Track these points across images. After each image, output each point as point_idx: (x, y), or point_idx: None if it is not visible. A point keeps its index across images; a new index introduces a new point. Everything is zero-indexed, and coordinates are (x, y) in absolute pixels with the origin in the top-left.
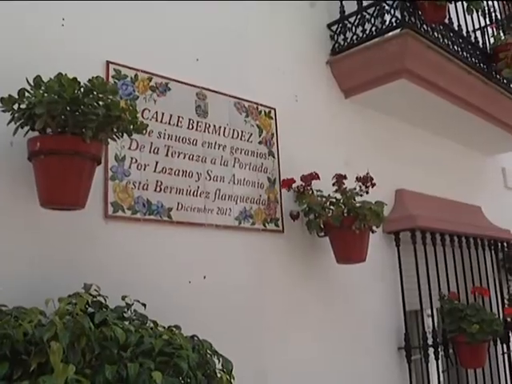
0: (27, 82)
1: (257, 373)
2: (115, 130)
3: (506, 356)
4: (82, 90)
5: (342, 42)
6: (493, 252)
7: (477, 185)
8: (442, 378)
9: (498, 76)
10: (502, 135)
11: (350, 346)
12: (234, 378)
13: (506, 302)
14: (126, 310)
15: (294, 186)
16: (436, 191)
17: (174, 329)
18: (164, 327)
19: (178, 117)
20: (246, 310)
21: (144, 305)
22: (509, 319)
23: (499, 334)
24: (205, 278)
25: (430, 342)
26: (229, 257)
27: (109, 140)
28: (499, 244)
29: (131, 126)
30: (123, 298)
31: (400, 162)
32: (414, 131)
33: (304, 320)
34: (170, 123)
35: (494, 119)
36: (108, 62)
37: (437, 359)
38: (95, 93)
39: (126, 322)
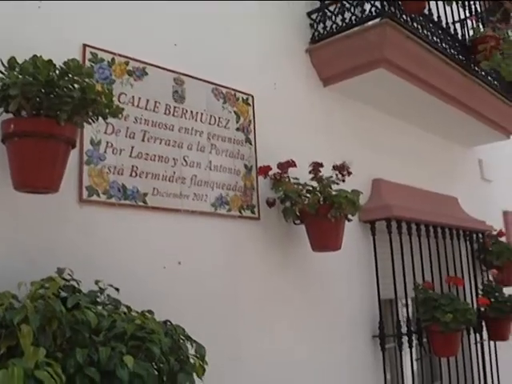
0: (1, 63)
1: (232, 360)
2: (90, 113)
3: (478, 345)
4: (57, 72)
5: (321, 31)
6: (468, 243)
7: (454, 176)
8: (415, 367)
9: (476, 68)
10: (479, 127)
11: (326, 333)
12: (207, 364)
13: (480, 292)
14: (99, 294)
15: (270, 173)
16: (413, 182)
17: (147, 314)
18: (137, 312)
19: (155, 102)
20: (221, 296)
21: (117, 289)
22: (482, 309)
23: (472, 324)
24: (180, 263)
25: (404, 330)
26: (204, 243)
27: (84, 123)
28: (474, 235)
29: (107, 110)
30: (96, 282)
31: (377, 152)
32: (392, 121)
33: (280, 308)
34: (146, 108)
35: (472, 111)
36: (85, 46)
37: (410, 347)
38: (70, 75)
39: (99, 307)
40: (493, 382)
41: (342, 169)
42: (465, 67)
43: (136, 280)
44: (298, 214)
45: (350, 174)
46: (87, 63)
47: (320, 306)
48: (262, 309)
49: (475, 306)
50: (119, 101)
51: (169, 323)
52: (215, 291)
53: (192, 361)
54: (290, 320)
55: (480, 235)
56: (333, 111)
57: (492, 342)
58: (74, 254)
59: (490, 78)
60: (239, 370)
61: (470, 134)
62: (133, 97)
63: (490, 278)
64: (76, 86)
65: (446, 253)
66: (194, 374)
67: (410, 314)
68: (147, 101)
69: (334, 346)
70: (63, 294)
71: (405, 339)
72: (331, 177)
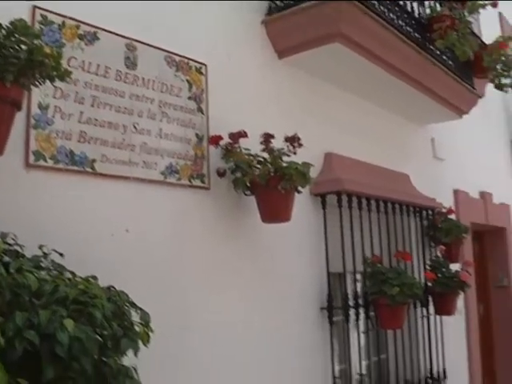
0: None
1: (180, 329)
2: (37, 75)
3: (425, 319)
4: (3, 31)
5: (278, 3)
6: (418, 219)
7: (406, 153)
8: (362, 339)
9: (432, 47)
10: (433, 106)
11: (275, 305)
12: (152, 331)
13: (427, 267)
14: (42, 259)
15: (221, 143)
16: (365, 157)
17: (91, 279)
18: (82, 278)
19: (106, 67)
20: (169, 265)
21: (61, 254)
22: (429, 284)
23: (418, 297)
24: (128, 231)
25: (351, 303)
26: (153, 211)
27: (31, 86)
28: (424, 212)
29: (54, 73)
30: (40, 247)
31: (331, 126)
32: (346, 96)
33: (229, 278)
34: (97, 73)
35: (427, 90)
36: (34, 7)
37: (357, 320)
38: (17, 36)
39: (43, 272)
40: (437, 355)
41: (293, 140)
42: (420, 45)
43: (83, 247)
44: (248, 184)
45: (300, 145)
46: (37, 25)
47: (270, 278)
48: (211, 279)
49: (423, 281)
50: (69, 65)
51: (113, 289)
52: (163, 260)
53: (137, 328)
54: (240, 291)
55: (430, 212)
56: (287, 84)
57: (438, 317)
58: (19, 219)
59: (444, 57)
60: (187, 339)
61: (424, 112)
62: (83, 61)
63: (438, 254)
64: (23, 47)
65: (395, 228)
66: (140, 342)
67: (359, 288)
68: (98, 66)
69: (282, 318)
70: (6, 258)
71: (352, 312)
72: (282, 149)
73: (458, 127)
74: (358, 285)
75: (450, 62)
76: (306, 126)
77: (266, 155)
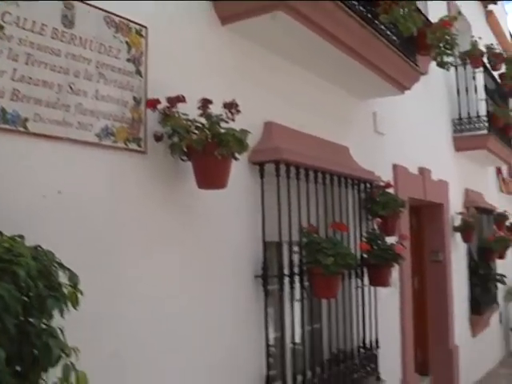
0: None
1: (111, 296)
2: None
3: (359, 290)
4: None
5: None
6: (356, 192)
7: (347, 126)
8: (297, 309)
9: (376, 22)
10: (375, 80)
11: (209, 272)
12: (81, 294)
13: (364, 239)
14: None
15: (159, 107)
16: (306, 128)
17: (18, 238)
18: (8, 236)
19: (42, 24)
20: (101, 229)
21: None
22: (365, 256)
23: (352, 268)
24: (60, 193)
25: (286, 272)
26: (87, 174)
27: None
28: (363, 185)
29: None
30: None
31: (272, 96)
32: (289, 67)
33: (164, 244)
34: (33, 30)
35: (370, 64)
36: None
37: (292, 289)
38: None
39: None
40: (371, 325)
41: (231, 107)
42: (365, 19)
43: (12, 206)
44: (185, 150)
45: (238, 112)
46: None
47: (206, 245)
48: (146, 244)
49: (359, 253)
50: (3, 20)
51: (39, 248)
52: (96, 223)
53: (65, 290)
54: (174, 256)
55: (368, 185)
56: (229, 51)
57: (373, 288)
58: None
59: (389, 32)
60: (118, 305)
61: (366, 86)
62: (18, 17)
63: (375, 226)
64: None
65: (333, 200)
66: (70, 305)
67: (295, 258)
68: (34, 23)
69: (217, 286)
70: None
71: (287, 281)
72: (221, 115)
73: (400, 103)
74: (294, 254)
75: (394, 38)
76: (247, 94)
77: (204, 121)
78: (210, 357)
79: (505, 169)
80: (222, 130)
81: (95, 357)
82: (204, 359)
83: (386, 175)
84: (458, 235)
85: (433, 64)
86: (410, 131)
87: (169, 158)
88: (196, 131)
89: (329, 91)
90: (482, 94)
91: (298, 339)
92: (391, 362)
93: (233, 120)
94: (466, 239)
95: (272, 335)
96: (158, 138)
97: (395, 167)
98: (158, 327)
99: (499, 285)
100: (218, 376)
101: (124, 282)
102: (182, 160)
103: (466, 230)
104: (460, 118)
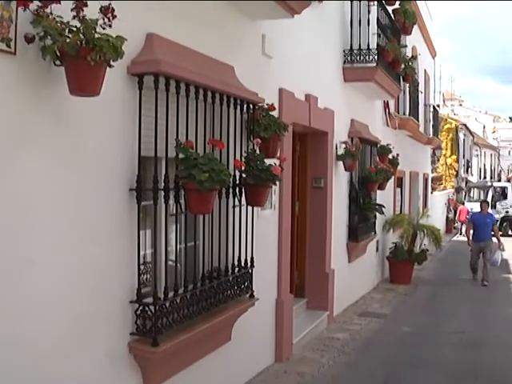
0: None
1: None
2: None
3: (237, 209)
4: None
5: None
6: (238, 112)
7: (235, 46)
8: (173, 225)
9: None
10: (266, 1)
11: (81, 184)
12: None
13: (243, 159)
14: None
15: (31, 7)
16: (191, 44)
17: None
18: None
19: None
20: None
21: None
22: (244, 175)
23: (227, 184)
24: None
25: (161, 186)
26: None
27: None
28: (246, 105)
29: None
30: None
31: (157, 8)
32: None
33: (34, 151)
34: None
35: None
36: None
37: (166, 203)
38: None
39: None
40: (247, 244)
41: (107, 11)
42: None
43: None
44: (57, 53)
45: (114, 17)
46: None
47: (77, 155)
48: (11, 151)
49: (238, 173)
50: None
51: None
52: None
53: None
54: (45, 165)
55: (251, 106)
56: None
57: (251, 208)
58: None
59: None
60: None
61: (256, 6)
62: None
63: (256, 148)
64: None
65: (213, 118)
66: None
67: (171, 174)
68: None
69: (90, 198)
70: None
71: (161, 195)
72: (97, 19)
73: (292, 28)
74: (171, 170)
75: None
76: (130, 3)
77: (78, 24)
78: (78, 270)
79: (392, 104)
80: (98, 36)
81: None
82: (72, 273)
83: (271, 98)
84: (341, 164)
85: None
86: (299, 57)
87: (41, 62)
88: (70, 35)
89: (217, 8)
90: (375, 28)
91: (173, 256)
92: (267, 281)
93: (110, 26)
94: (347, 168)
95: (147, 251)
96: (29, 39)
97: (281, 91)
98: (30, 244)
99: (378, 215)
100: (85, 291)
101: None
102: (55, 64)
103: (348, 159)
104: (351, 49)
